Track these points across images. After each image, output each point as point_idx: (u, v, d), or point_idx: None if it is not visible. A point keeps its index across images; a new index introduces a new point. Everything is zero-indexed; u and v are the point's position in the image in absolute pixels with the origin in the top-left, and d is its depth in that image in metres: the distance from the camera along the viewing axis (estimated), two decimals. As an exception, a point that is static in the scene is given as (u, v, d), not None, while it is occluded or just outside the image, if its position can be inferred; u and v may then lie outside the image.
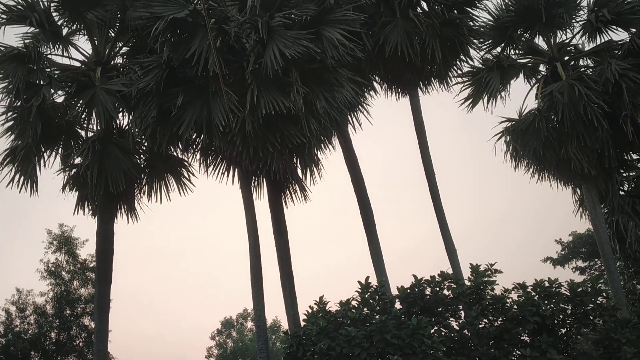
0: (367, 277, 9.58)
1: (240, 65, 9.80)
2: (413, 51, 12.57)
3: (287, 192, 11.82)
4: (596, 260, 22.20)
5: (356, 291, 9.56)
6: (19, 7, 11.27)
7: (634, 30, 12.84)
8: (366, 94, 13.30)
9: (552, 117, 12.54)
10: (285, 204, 11.72)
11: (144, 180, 12.28)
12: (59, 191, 11.76)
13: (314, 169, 11.58)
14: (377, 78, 13.86)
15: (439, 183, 13.31)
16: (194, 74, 9.87)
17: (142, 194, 12.33)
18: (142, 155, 12.16)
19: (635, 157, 13.47)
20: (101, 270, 11.46)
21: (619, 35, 13.15)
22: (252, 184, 11.59)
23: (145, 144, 11.84)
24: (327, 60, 10.13)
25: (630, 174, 13.45)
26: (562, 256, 22.96)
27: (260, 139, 9.84)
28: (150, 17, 9.92)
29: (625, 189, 13.25)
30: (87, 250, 21.73)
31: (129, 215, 12.23)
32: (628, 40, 12.71)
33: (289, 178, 11.49)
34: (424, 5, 13.24)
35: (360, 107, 12.39)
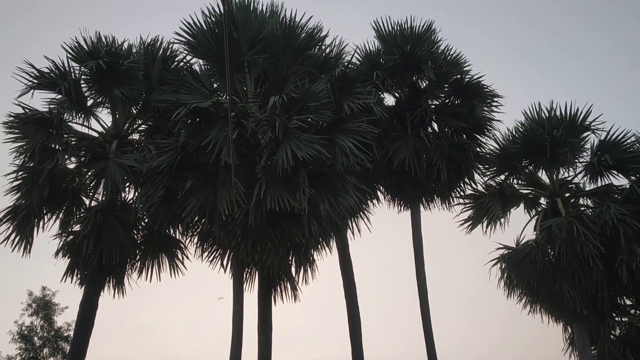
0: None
1: (252, 159, 10.08)
2: (419, 168, 12.99)
3: (278, 288, 11.71)
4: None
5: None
6: (52, 74, 11.76)
7: (634, 178, 13.25)
8: (369, 202, 13.53)
9: (549, 251, 12.66)
10: (274, 301, 11.58)
11: (138, 257, 12.23)
12: (51, 255, 11.68)
13: (308, 268, 11.59)
14: (381, 188, 14.19)
15: (431, 300, 13.26)
16: (206, 161, 10.13)
17: (133, 270, 12.25)
18: (140, 232, 12.19)
19: (628, 302, 13.40)
20: (77, 343, 11.13)
21: (619, 180, 13.56)
22: (245, 276, 11.54)
23: (146, 221, 11.92)
24: (337, 166, 10.44)
25: (623, 319, 13.36)
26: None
27: (260, 233, 9.93)
28: (174, 102, 10.33)
29: (617, 334, 13.09)
30: (65, 318, 21.17)
31: (116, 290, 12.07)
32: (628, 187, 13.08)
33: (281, 275, 11.43)
34: (435, 126, 13.84)
35: (361, 213, 12.59)
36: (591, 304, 12.33)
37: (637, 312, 13.12)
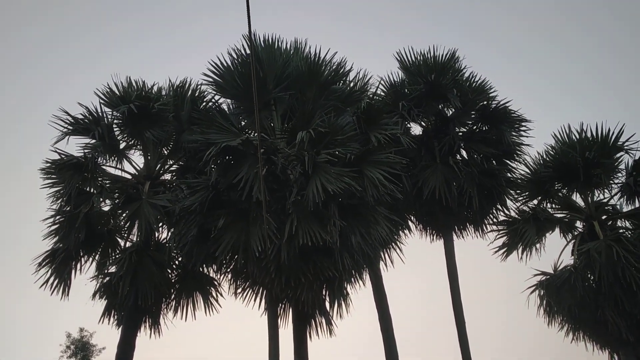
0: None
1: (283, 194, 10.14)
2: (450, 196, 12.90)
3: (313, 324, 11.62)
4: None
5: None
6: (86, 120, 12.14)
7: (673, 199, 12.91)
8: (401, 232, 13.43)
9: (589, 275, 12.33)
10: (310, 337, 11.48)
11: (172, 296, 12.31)
12: (88, 297, 11.84)
13: (342, 302, 11.48)
14: (412, 218, 14.09)
15: (469, 329, 12.98)
16: (237, 198, 10.23)
17: (168, 309, 12.32)
18: (174, 271, 12.30)
19: (675, 327, 12.89)
20: (116, 384, 11.20)
21: (657, 200, 13.19)
22: (279, 312, 11.50)
23: (179, 260, 12.04)
24: (367, 197, 10.42)
25: (672, 344, 12.82)
26: None
27: (293, 269, 9.93)
28: (204, 141, 10.52)
29: (667, 360, 12.56)
30: (102, 359, 21.36)
31: (152, 330, 12.15)
32: (667, 207, 12.75)
33: (316, 310, 11.36)
34: (464, 153, 13.76)
35: (393, 244, 12.48)
36: (637, 330, 11.91)
37: (686, 336, 12.59)
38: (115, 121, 12.39)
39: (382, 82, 13.99)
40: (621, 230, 13.10)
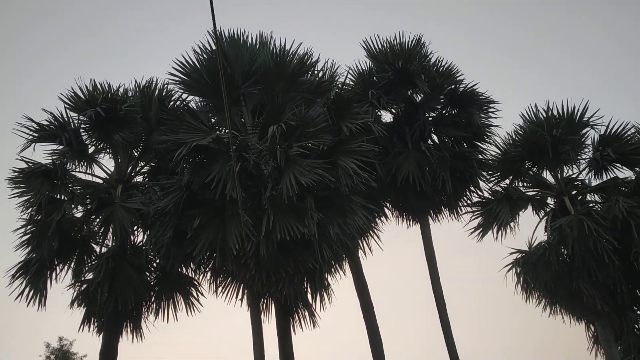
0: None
1: (258, 190, 10.11)
2: (424, 181, 13.01)
3: (296, 316, 11.66)
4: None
5: None
6: (51, 126, 11.88)
7: (638, 169, 13.23)
8: (377, 220, 13.51)
9: (563, 250, 12.59)
10: (294, 330, 11.53)
11: (153, 298, 12.20)
12: (66, 306, 11.66)
13: (324, 293, 11.54)
14: (388, 205, 14.18)
15: (450, 310, 13.17)
16: (211, 197, 10.17)
17: (149, 312, 12.21)
18: (152, 274, 12.18)
19: (648, 294, 13.28)
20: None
21: (624, 173, 13.54)
22: (262, 307, 11.50)
23: (157, 262, 11.93)
24: (342, 188, 10.46)
25: (645, 311, 13.22)
26: (577, 394, 21.90)
27: (273, 264, 9.93)
28: (174, 141, 10.41)
29: (640, 327, 12.96)
30: (85, 367, 21.08)
31: (135, 334, 12.02)
32: (634, 179, 13.06)
33: (298, 303, 11.40)
34: (435, 138, 13.89)
35: (371, 232, 12.57)
36: (611, 300, 12.22)
37: (658, 303, 12.99)
38: (82, 126, 12.15)
39: (350, 71, 14.01)
40: (591, 204, 13.40)
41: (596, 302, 12.08)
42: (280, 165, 9.98)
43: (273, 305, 11.70)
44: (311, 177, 9.84)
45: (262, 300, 11.74)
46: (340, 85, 12.84)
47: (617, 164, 13.42)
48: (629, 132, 13.36)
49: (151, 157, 12.61)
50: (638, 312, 13.14)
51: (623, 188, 13.31)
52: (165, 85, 12.59)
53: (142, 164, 12.89)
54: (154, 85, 12.74)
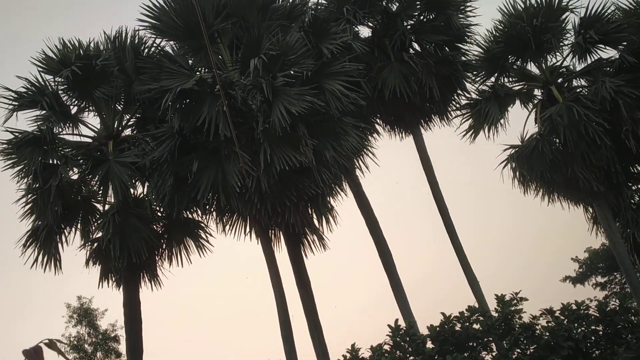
0: (397, 320, 9.63)
1: (249, 126, 10.11)
2: (411, 91, 12.99)
3: (306, 242, 11.96)
4: (615, 274, 22.15)
5: (387, 335, 9.60)
6: (29, 92, 11.67)
7: (622, 47, 13.20)
8: (370, 137, 13.59)
9: (555, 139, 12.77)
10: (305, 255, 11.86)
11: (164, 246, 12.45)
12: (82, 266, 11.91)
13: (329, 217, 11.78)
14: (379, 121, 14.22)
15: (452, 215, 13.53)
16: (205, 140, 10.18)
17: (162, 260, 12.49)
18: (159, 222, 12.36)
19: (641, 169, 13.65)
20: (131, 342, 11.51)
21: (608, 53, 13.51)
22: (271, 238, 11.77)
23: (162, 211, 12.07)
24: (332, 111, 10.46)
25: (639, 186, 13.61)
26: (580, 274, 22.93)
27: (276, 195, 10.08)
28: (158, 89, 10.28)
29: (637, 202, 13.37)
30: (108, 320, 21.78)
31: (152, 283, 12.35)
32: (618, 57, 13.05)
33: (305, 229, 11.66)
34: (416, 46, 13.73)
35: (365, 150, 12.68)
36: (606, 180, 12.56)
37: (651, 176, 13.37)
38: (60, 87, 11.93)
39: (322, -11, 13.63)
40: (578, 90, 13.48)
41: (592, 184, 12.40)
42: (269, 98, 9.92)
43: (281, 235, 11.96)
44: (301, 105, 9.82)
45: (270, 231, 11.98)
46: (313, 6, 12.55)
47: (601, 45, 13.33)
48: (609, 11, 13.21)
49: (136, 109, 12.46)
50: (633, 187, 13.55)
51: (608, 68, 13.32)
52: (137, 33, 12.26)
53: (128, 117, 12.77)
54: (124, 34, 12.36)
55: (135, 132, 12.49)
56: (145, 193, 11.95)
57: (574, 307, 9.20)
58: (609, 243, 13.84)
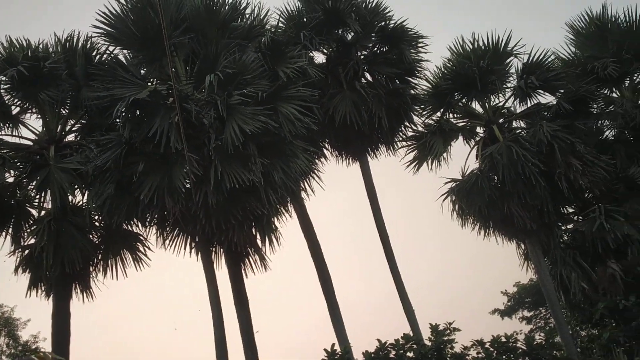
0: (333, 345, 9.73)
1: (201, 141, 10.06)
2: (361, 120, 13.29)
3: (247, 262, 11.90)
4: (540, 309, 23.03)
5: (323, 359, 9.66)
6: (-31, 90, 11.21)
7: (559, 94, 14.00)
8: (318, 161, 13.75)
9: (494, 176, 13.29)
10: (246, 274, 11.80)
11: (99, 257, 12.07)
12: (10, 273, 11.37)
13: (273, 237, 11.78)
14: (327, 146, 14.43)
15: (393, 243, 13.82)
16: (153, 150, 10.04)
17: (97, 271, 12.10)
18: (97, 232, 12.01)
19: (571, 210, 14.37)
20: (59, 354, 11.02)
21: (546, 98, 14.29)
22: (212, 256, 11.66)
23: (101, 221, 11.73)
24: (283, 133, 10.56)
25: (568, 227, 14.33)
26: (509, 307, 23.70)
27: (222, 212, 10.03)
28: (109, 97, 10.10)
29: (566, 241, 14.05)
30: (30, 331, 20.74)
31: (85, 294, 11.92)
32: (555, 104, 13.83)
33: (248, 248, 11.62)
34: (368, 76, 14.10)
35: (312, 174, 12.81)
36: (539, 219, 13.12)
37: (579, 218, 14.08)
38: (3, 86, 11.51)
39: (281, 14, 13.86)
40: (518, 131, 14.13)
41: (525, 222, 12.94)
42: (222, 115, 9.92)
43: (223, 252, 11.85)
44: (254, 124, 9.88)
45: (212, 248, 11.86)
46: (272, 29, 12.68)
47: (540, 91, 14.09)
48: (549, 59, 14.05)
49: (82, 114, 12.14)
50: (563, 227, 14.26)
51: (546, 113, 14.07)
52: (90, 38, 12.01)
53: (73, 122, 12.41)
54: (76, 39, 12.09)
55: (79, 138, 12.15)
56: (85, 201, 11.58)
57: (504, 339, 9.58)
58: (537, 279, 14.46)
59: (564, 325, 13.03)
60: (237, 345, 11.37)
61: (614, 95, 15.00)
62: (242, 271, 11.80)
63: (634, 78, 14.99)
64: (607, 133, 14.87)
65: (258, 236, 11.54)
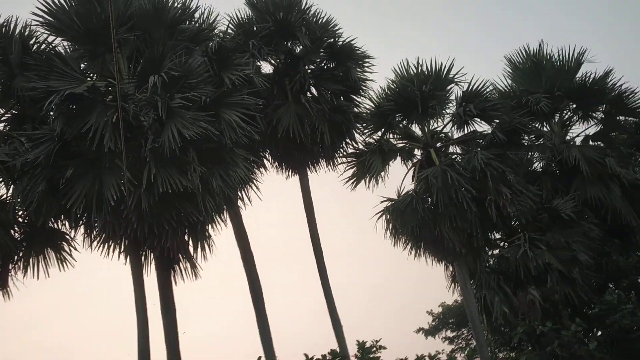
0: (259, 358, 9.67)
1: (137, 142, 9.81)
2: (303, 133, 13.37)
3: (177, 268, 11.65)
4: (463, 330, 23.67)
5: (248, 371, 9.59)
6: None
7: (494, 124, 14.59)
8: (257, 171, 13.69)
9: (428, 199, 13.63)
10: (175, 281, 11.54)
11: (20, 255, 11.50)
12: None
13: (206, 245, 11.59)
14: (268, 156, 14.42)
15: (326, 258, 13.90)
16: (87, 149, 9.71)
17: (17, 270, 11.51)
18: (20, 229, 11.44)
19: (498, 236, 14.93)
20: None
21: (482, 127, 14.84)
22: (142, 261, 11.34)
23: (25, 217, 11.20)
24: (224, 140, 10.46)
25: (495, 252, 14.86)
26: (432, 327, 24.20)
27: (155, 217, 9.79)
28: (44, 89, 9.71)
29: (491, 266, 14.56)
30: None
31: (2, 292, 11.31)
32: (490, 133, 14.39)
33: (179, 255, 11.38)
34: (314, 91, 14.21)
35: (251, 183, 12.73)
36: (468, 243, 13.55)
37: (505, 244, 14.63)
38: None
39: (230, 20, 13.79)
40: (453, 156, 14.59)
41: (455, 245, 13.31)
42: (162, 117, 9.73)
43: (152, 257, 11.56)
44: (195, 129, 9.73)
45: (141, 252, 11.54)
46: (220, 34, 12.59)
47: (477, 119, 14.64)
48: (487, 90, 14.65)
49: (13, 104, 11.61)
50: (489, 253, 14.78)
51: (481, 141, 14.61)
52: (29, 26, 11.51)
53: (2, 112, 11.84)
54: (13, 25, 11.54)
55: (8, 129, 11.59)
56: (10, 196, 11.02)
57: (428, 359, 9.80)
58: (462, 301, 14.89)
59: (485, 347, 13.45)
60: (161, 350, 11.11)
61: (545, 129, 15.78)
62: (172, 277, 11.53)
63: (564, 114, 15.83)
64: (535, 165, 15.64)
65: (191, 243, 11.32)
